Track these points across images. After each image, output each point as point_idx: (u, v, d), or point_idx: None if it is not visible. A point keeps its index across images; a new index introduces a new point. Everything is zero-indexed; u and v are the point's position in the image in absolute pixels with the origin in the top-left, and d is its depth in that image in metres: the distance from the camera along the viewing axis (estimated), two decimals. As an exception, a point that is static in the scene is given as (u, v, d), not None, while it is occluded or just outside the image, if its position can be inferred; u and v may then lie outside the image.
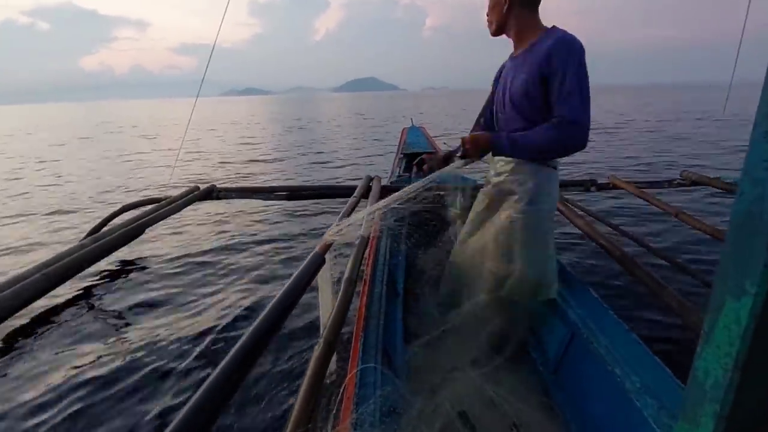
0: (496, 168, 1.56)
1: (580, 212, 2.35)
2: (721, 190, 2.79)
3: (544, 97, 1.34)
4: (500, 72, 1.63)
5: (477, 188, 2.24)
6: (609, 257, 1.81)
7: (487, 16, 1.48)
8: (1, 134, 18.28)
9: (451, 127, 14.39)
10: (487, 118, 1.73)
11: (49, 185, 6.55)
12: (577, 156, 6.95)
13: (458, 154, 1.52)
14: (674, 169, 6.01)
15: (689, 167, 4.95)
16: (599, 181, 3.05)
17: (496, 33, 1.50)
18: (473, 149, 1.45)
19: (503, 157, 1.51)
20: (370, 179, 3.07)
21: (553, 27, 1.39)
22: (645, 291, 1.61)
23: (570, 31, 1.33)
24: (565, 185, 3.02)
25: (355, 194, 2.66)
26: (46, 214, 4.78)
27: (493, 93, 1.69)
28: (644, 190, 2.71)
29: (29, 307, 2.00)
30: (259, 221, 4.19)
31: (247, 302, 2.52)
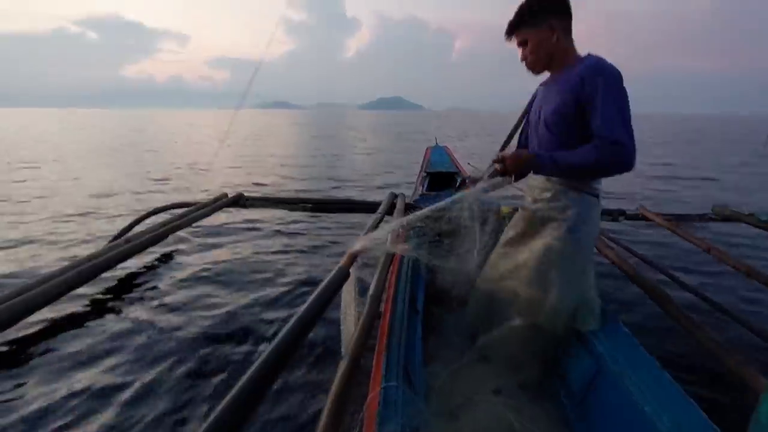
0: (535, 194, 1.55)
1: (609, 242, 2.30)
2: (755, 227, 2.70)
3: (581, 121, 1.35)
4: (533, 98, 1.65)
5: (507, 211, 2.23)
6: (638, 290, 1.76)
7: (529, 55, 1.45)
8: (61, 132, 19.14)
9: (477, 147, 14.40)
10: (521, 142, 1.76)
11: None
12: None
13: (491, 171, 1.50)
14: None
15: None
16: (628, 212, 3.00)
17: (542, 69, 1.49)
18: (514, 165, 1.43)
19: (543, 184, 1.51)
20: (395, 196, 3.08)
21: (588, 54, 1.40)
22: (678, 327, 1.56)
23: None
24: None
25: (379, 210, 2.68)
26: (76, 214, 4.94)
27: (522, 118, 1.72)
28: (674, 222, 2.65)
29: (53, 306, 2.05)
30: (285, 231, 4.24)
31: (270, 312, 2.54)
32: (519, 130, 1.89)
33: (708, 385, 1.81)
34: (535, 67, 1.48)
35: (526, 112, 1.71)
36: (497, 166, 1.47)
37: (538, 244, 1.49)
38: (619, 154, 1.26)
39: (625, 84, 1.31)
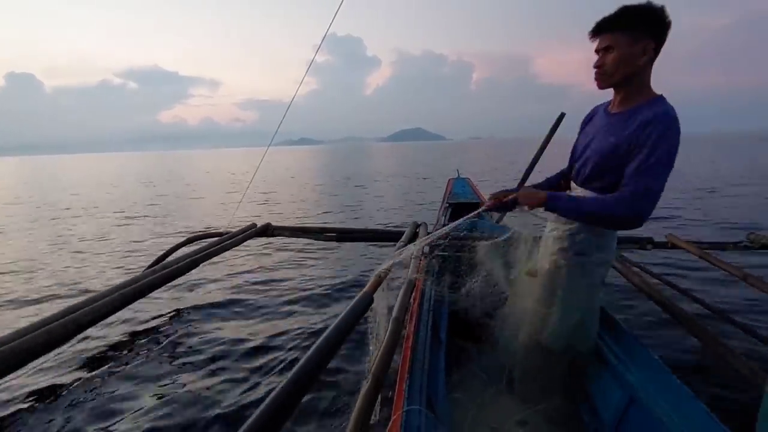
0: (552, 219, 1.57)
1: (638, 270, 2.26)
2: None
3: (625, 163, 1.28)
4: (589, 118, 1.56)
5: (528, 239, 2.24)
6: (669, 318, 1.71)
7: (608, 64, 1.29)
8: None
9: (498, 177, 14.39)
10: (565, 171, 1.69)
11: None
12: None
13: (511, 208, 1.55)
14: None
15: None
16: (656, 240, 2.93)
17: (611, 86, 1.34)
18: (528, 204, 1.43)
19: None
20: (417, 225, 3.13)
21: (662, 96, 1.29)
22: (711, 355, 1.50)
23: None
24: (619, 242, 2.91)
25: (402, 239, 2.73)
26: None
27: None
28: (706, 251, 2.56)
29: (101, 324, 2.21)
30: (310, 259, 4.37)
31: (295, 336, 2.61)
32: (539, 159, 1.92)
33: (746, 413, 1.70)
34: (606, 80, 1.32)
35: (580, 133, 1.59)
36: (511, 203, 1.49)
37: (547, 263, 1.54)
38: (639, 210, 1.22)
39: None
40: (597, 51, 1.32)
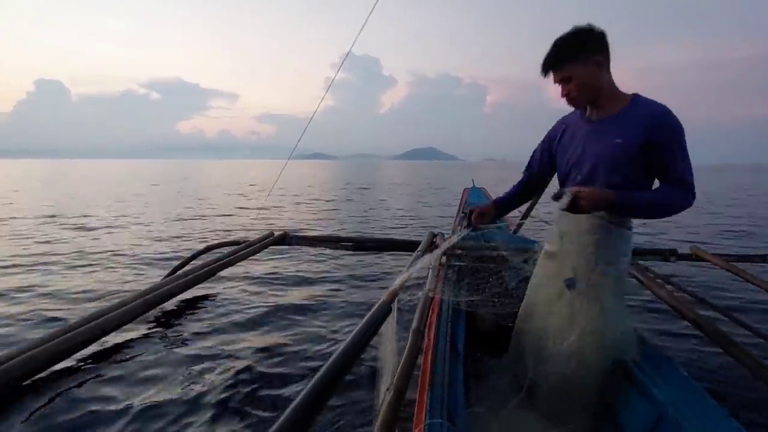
0: (563, 227, 1.51)
1: (662, 282, 2.20)
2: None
3: (641, 163, 1.35)
4: (562, 131, 1.58)
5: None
6: (697, 332, 1.66)
7: (574, 91, 1.38)
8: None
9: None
10: (532, 174, 1.74)
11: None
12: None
13: (563, 207, 1.33)
14: None
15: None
16: (680, 252, 2.85)
17: (586, 105, 1.46)
18: (590, 204, 1.30)
19: (577, 218, 1.43)
20: (434, 235, 3.11)
21: (636, 94, 1.40)
22: (743, 371, 1.45)
23: None
24: (642, 253, 2.85)
25: (419, 249, 2.71)
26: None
27: (544, 153, 1.67)
28: (732, 263, 2.48)
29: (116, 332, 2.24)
30: (327, 268, 4.38)
31: (313, 346, 2.60)
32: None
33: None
34: (580, 103, 1.44)
35: (550, 146, 1.64)
36: (565, 201, 1.31)
37: (579, 277, 1.46)
38: (688, 200, 1.34)
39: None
40: (556, 82, 1.42)
